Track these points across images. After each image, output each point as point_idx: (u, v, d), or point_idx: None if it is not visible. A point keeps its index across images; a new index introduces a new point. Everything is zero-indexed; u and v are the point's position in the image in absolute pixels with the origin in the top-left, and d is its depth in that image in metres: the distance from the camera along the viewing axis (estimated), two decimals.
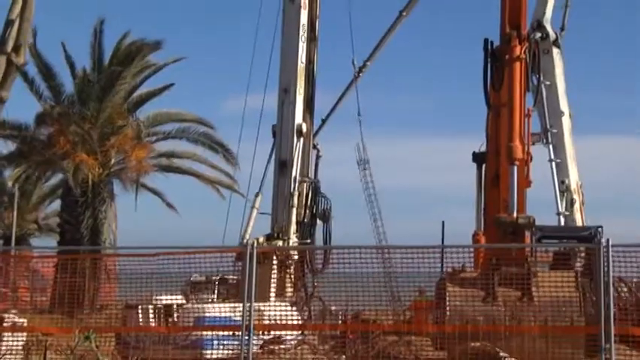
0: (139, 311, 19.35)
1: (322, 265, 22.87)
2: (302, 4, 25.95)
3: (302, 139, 25.67)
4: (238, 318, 16.43)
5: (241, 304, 16.26)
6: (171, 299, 20.01)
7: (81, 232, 31.97)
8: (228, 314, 17.89)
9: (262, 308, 17.77)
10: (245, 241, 24.34)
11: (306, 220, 25.60)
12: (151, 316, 19.50)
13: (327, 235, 26.29)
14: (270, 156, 25.86)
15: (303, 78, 25.88)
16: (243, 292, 16.23)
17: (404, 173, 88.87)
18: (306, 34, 26.09)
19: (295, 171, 25.32)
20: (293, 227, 24.98)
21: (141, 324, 19.20)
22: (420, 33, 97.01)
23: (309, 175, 26.26)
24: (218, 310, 18.63)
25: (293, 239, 24.93)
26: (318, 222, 26.05)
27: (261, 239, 24.33)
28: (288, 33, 25.98)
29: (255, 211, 25.64)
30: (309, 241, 25.66)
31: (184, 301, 20.78)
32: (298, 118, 25.67)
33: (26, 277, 20.68)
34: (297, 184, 25.28)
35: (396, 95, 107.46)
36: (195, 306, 19.91)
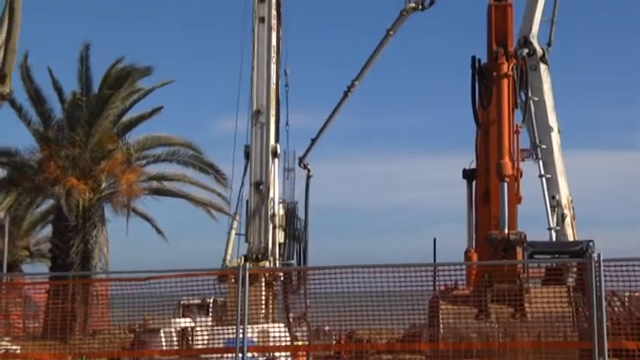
0: (162, 334, 19.17)
1: (297, 286, 22.93)
2: (272, 26, 26.04)
3: (276, 161, 25.74)
4: (256, 339, 16.53)
5: (258, 325, 16.39)
6: (187, 322, 20.00)
7: (72, 257, 31.88)
8: (248, 335, 17.99)
9: (268, 329, 17.89)
10: (227, 262, 24.47)
11: (287, 242, 25.73)
12: (174, 338, 19.28)
13: (303, 256, 26.50)
14: (244, 177, 25.86)
15: (274, 99, 25.97)
16: (237, 314, 16.23)
17: (395, 191, 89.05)
18: (275, 57, 26.18)
19: (274, 192, 25.37)
20: (277, 248, 25.07)
21: (164, 348, 19.07)
22: (407, 51, 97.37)
23: (281, 196, 26.35)
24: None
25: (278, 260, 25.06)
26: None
27: (240, 261, 24.38)
28: (259, 54, 26.00)
29: (233, 233, 25.69)
30: (293, 261, 25.78)
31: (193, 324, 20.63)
32: (272, 139, 25.74)
33: (18, 304, 20.63)
34: (277, 205, 25.34)
35: (385, 114, 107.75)
36: (221, 328, 19.75)
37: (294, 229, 26.23)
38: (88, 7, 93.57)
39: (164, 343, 19.02)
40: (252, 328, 17.08)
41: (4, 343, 19.08)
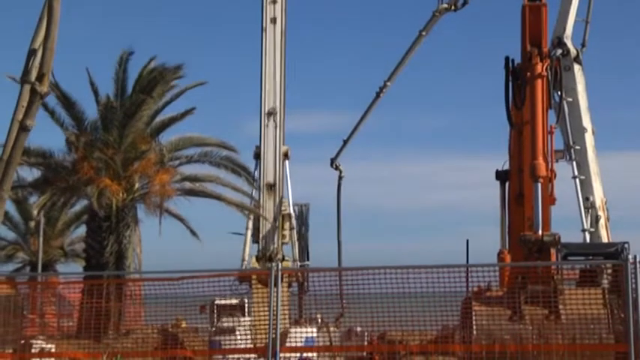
0: (237, 333, 19.15)
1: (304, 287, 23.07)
2: (283, 27, 26.03)
3: (287, 162, 25.78)
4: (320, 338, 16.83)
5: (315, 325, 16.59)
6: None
7: (106, 257, 32.07)
8: (312, 335, 18.24)
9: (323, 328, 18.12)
10: (245, 263, 24.59)
11: (299, 243, 25.91)
12: (248, 337, 19.21)
13: (307, 256, 26.73)
14: (253, 178, 25.90)
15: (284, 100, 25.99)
16: (270, 314, 16.26)
17: (428, 192, 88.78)
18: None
19: (289, 193, 25.43)
20: (296, 249, 25.21)
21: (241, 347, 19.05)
22: (439, 52, 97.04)
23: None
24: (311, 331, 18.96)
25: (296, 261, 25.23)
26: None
27: (253, 260, 24.54)
28: (271, 55, 25.98)
29: (249, 233, 25.82)
30: (308, 262, 25.93)
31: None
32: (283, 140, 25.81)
33: (53, 303, 20.80)
34: (291, 207, 25.42)
35: (417, 114, 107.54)
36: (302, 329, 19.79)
37: (304, 230, 26.45)
38: (116, 7, 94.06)
39: (240, 342, 18.84)
40: (310, 328, 17.38)
41: (39, 341, 19.23)
